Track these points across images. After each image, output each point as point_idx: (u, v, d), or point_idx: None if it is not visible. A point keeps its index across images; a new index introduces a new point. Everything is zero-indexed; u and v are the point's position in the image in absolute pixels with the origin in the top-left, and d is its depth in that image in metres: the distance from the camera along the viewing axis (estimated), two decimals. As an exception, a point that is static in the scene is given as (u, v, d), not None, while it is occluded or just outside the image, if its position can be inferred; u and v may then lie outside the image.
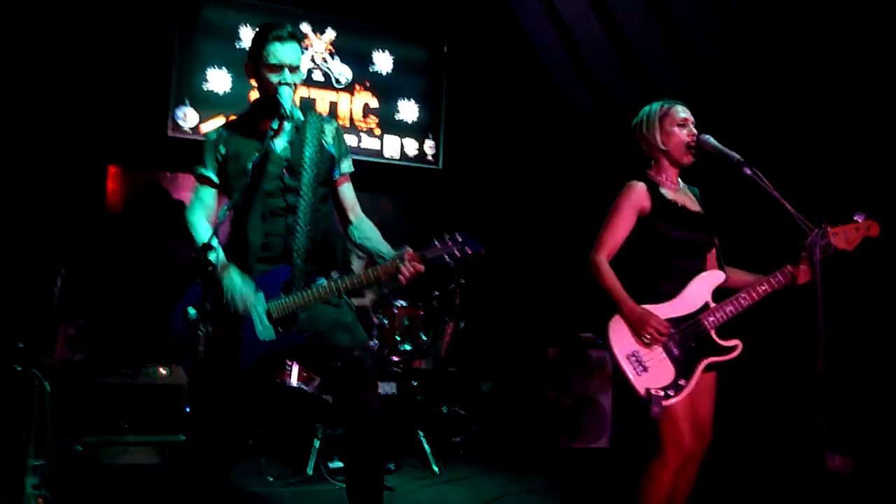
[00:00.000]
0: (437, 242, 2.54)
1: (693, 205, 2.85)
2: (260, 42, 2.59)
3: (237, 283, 2.51)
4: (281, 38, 2.57)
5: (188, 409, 4.49)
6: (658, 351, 2.64)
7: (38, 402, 3.64)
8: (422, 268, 2.54)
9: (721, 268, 2.82)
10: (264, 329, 2.54)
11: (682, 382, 2.62)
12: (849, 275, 2.76)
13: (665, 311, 2.70)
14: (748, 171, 2.62)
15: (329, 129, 2.75)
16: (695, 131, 2.78)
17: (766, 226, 3.11)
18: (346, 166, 2.80)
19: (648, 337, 2.61)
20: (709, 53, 5.05)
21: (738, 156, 2.66)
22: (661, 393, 2.58)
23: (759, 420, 4.51)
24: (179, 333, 2.53)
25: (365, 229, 2.82)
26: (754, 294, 2.69)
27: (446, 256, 2.52)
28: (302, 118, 2.71)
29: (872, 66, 4.10)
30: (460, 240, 2.53)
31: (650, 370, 2.63)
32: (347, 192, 2.84)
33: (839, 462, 4.04)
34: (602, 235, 2.79)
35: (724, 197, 3.10)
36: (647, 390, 2.59)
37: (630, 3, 5.30)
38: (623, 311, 2.68)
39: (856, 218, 2.71)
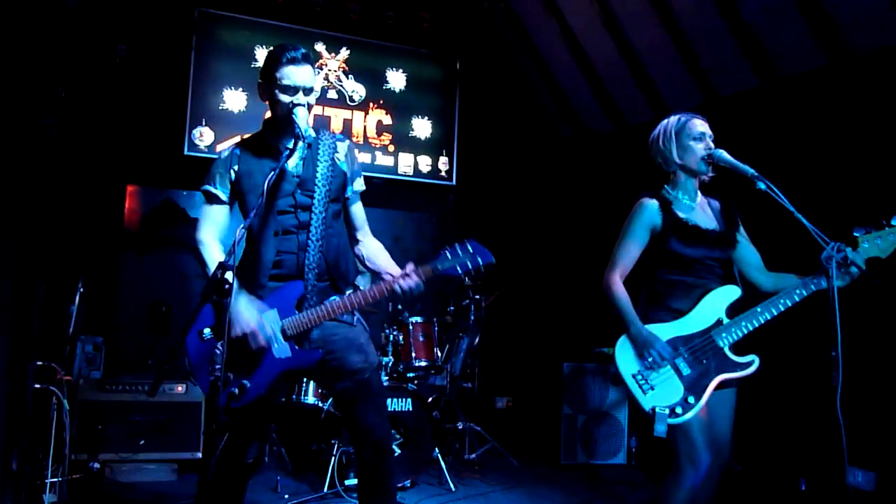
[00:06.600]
0: (447, 253, 2.51)
1: (709, 221, 2.81)
2: (273, 64, 2.59)
3: (250, 316, 2.47)
4: (295, 61, 2.57)
5: (203, 429, 4.50)
6: (666, 369, 2.63)
7: (56, 420, 3.67)
8: (416, 280, 2.50)
9: (738, 283, 2.79)
10: (280, 347, 2.53)
11: (691, 400, 2.59)
12: (869, 284, 2.68)
13: (675, 328, 2.68)
14: (762, 186, 2.59)
15: (342, 148, 2.75)
16: (711, 145, 2.75)
17: (786, 239, 3.07)
18: (359, 185, 2.80)
19: (650, 360, 2.61)
20: (720, 68, 5.05)
21: (752, 170, 2.62)
22: (667, 411, 2.57)
23: (779, 435, 4.46)
24: (195, 354, 2.52)
25: (373, 249, 2.81)
26: (773, 309, 2.65)
27: (458, 268, 2.50)
28: (315, 136, 2.71)
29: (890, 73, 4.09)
30: (471, 250, 2.49)
31: (657, 388, 2.62)
32: (358, 211, 2.83)
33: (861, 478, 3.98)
34: (615, 254, 2.78)
35: (748, 210, 3.06)
36: (653, 408, 2.58)
37: (641, 19, 5.32)
38: (630, 332, 2.68)
39: (892, 223, 2.61)
